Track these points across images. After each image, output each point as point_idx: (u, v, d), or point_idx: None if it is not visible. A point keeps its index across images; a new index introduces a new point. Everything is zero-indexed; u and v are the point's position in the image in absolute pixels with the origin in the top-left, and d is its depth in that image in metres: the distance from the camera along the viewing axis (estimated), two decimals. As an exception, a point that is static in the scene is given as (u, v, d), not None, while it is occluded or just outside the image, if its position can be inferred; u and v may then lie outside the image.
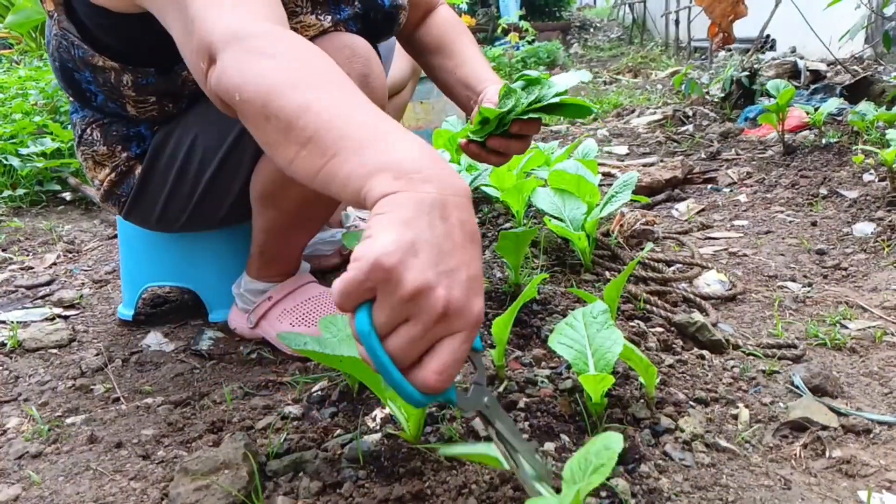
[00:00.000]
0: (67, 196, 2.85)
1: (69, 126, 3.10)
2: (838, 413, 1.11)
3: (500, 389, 1.03)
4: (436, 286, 0.62)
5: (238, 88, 0.82)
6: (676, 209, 2.43)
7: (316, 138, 0.75)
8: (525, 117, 1.17)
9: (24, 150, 2.84)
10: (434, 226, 0.64)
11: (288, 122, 0.77)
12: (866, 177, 2.40)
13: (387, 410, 1.03)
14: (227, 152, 1.33)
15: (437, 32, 1.52)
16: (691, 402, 1.08)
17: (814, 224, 2.13)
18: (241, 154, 1.33)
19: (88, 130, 1.41)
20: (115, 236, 2.12)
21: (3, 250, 2.27)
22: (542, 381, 1.06)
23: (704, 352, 1.31)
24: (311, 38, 1.25)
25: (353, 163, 0.71)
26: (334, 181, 0.74)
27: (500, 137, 1.21)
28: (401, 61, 1.69)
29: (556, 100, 1.15)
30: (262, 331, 1.48)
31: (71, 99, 1.46)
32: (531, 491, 0.74)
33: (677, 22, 7.96)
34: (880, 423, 1.08)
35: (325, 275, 1.79)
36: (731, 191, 2.60)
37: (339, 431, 1.03)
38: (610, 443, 0.72)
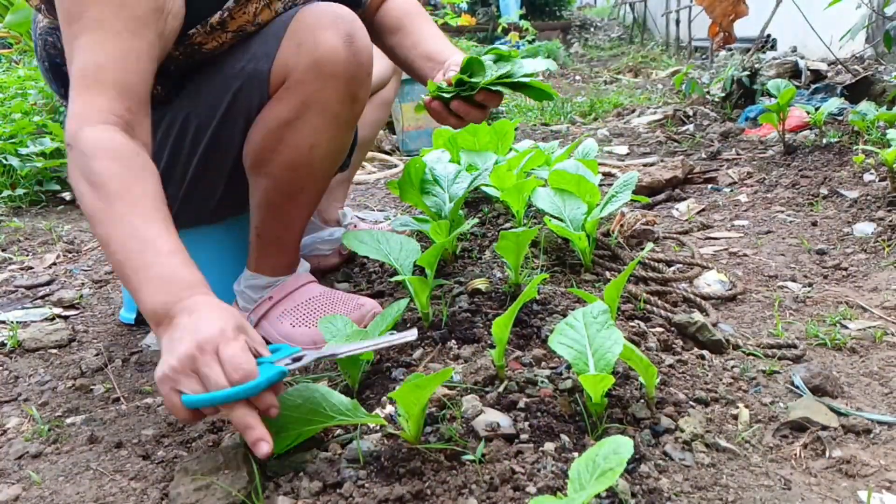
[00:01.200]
0: (67, 196, 2.85)
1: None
2: (838, 413, 1.11)
3: (501, 389, 1.03)
4: (174, 362, 0.91)
5: (75, 191, 1.07)
6: (677, 209, 2.43)
7: (118, 268, 1.02)
8: (493, 88, 1.26)
9: (23, 150, 2.84)
10: (174, 342, 0.93)
11: (102, 241, 1.03)
12: (867, 177, 2.40)
13: (387, 410, 1.03)
14: (219, 125, 1.34)
15: (396, 14, 1.55)
16: (691, 402, 1.08)
17: (814, 224, 2.13)
18: (231, 126, 1.34)
19: None
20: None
21: (3, 250, 2.27)
22: (542, 381, 1.06)
23: (704, 352, 1.31)
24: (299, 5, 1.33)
25: (139, 299, 1.00)
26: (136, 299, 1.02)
27: (463, 102, 1.28)
28: (381, 60, 1.71)
29: (525, 80, 1.24)
30: (262, 331, 1.47)
31: (63, 102, 1.46)
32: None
33: (678, 21, 7.96)
34: (880, 423, 1.08)
35: (324, 275, 1.79)
36: (732, 191, 2.60)
37: (339, 431, 1.03)
38: (619, 447, 0.72)
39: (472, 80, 1.26)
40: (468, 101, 1.29)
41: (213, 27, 1.26)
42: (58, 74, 1.36)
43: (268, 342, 1.50)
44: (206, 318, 0.94)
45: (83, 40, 1.09)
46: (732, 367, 1.27)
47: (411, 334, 1.01)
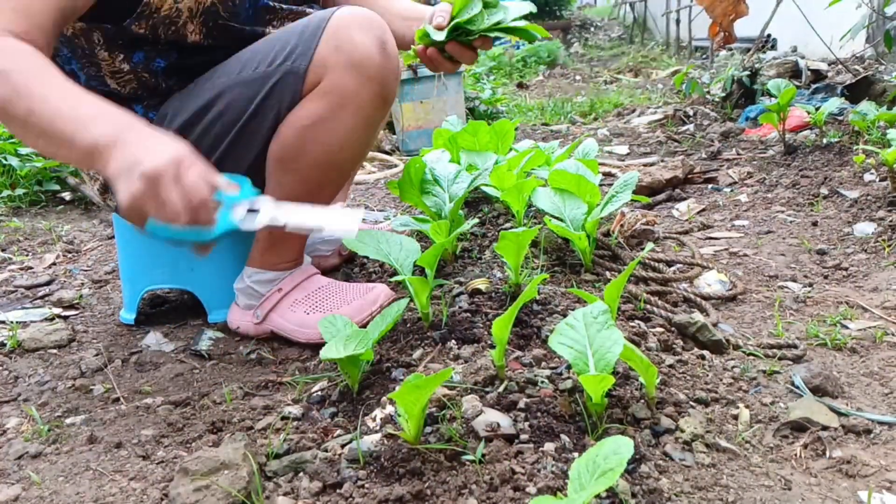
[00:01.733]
0: (67, 196, 2.85)
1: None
2: (839, 413, 1.10)
3: (501, 389, 1.03)
4: (136, 186, 0.94)
5: None
6: (677, 209, 2.43)
7: (45, 134, 1.03)
8: (491, 34, 1.36)
9: (23, 150, 2.83)
10: (122, 168, 0.96)
11: (23, 123, 1.04)
12: (867, 177, 2.40)
13: (387, 410, 1.03)
14: (249, 118, 1.36)
15: None
16: (691, 403, 1.08)
17: (814, 224, 2.13)
18: (261, 120, 1.36)
19: None
20: (115, 236, 2.12)
21: (3, 250, 2.27)
22: (542, 381, 1.06)
23: (705, 352, 1.31)
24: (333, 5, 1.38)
25: (75, 152, 1.02)
26: (73, 163, 1.09)
27: (459, 45, 1.36)
28: None
29: (517, 24, 1.35)
30: (271, 323, 1.48)
31: None
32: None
33: (678, 21, 7.96)
34: (881, 423, 1.08)
35: (325, 274, 1.79)
36: (732, 191, 2.60)
37: (339, 431, 1.03)
38: (619, 448, 0.72)
39: (469, 26, 1.33)
40: (463, 45, 1.36)
41: (147, 19, 1.27)
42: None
43: (275, 335, 1.50)
44: (162, 141, 0.99)
45: None
46: (733, 367, 1.27)
47: (352, 223, 1.05)
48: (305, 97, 1.33)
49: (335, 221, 1.04)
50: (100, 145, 0.98)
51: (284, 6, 1.46)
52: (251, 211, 1.03)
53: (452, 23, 1.33)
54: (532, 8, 1.43)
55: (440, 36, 1.34)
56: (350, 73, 1.30)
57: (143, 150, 0.97)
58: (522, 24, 1.35)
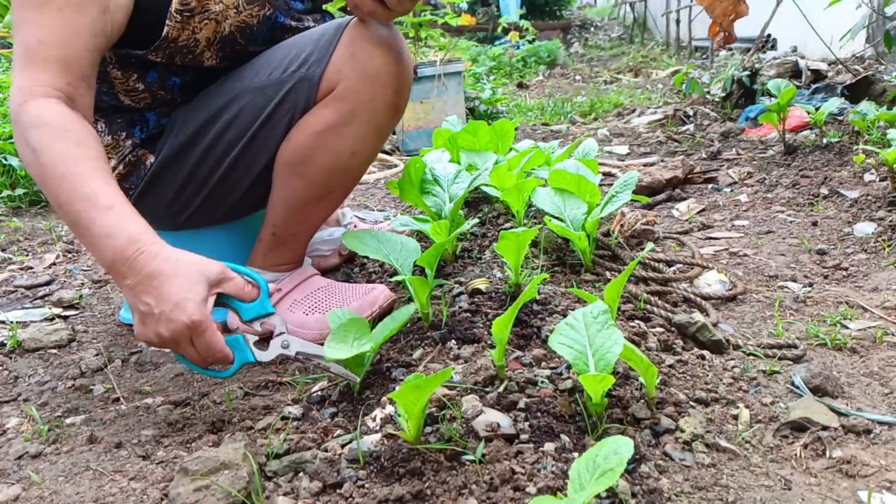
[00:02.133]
0: (67, 196, 2.84)
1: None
2: (839, 413, 1.10)
3: (501, 389, 1.03)
4: (154, 339, 1.07)
5: (23, 163, 1.14)
6: (677, 209, 2.43)
7: (69, 222, 1.10)
8: None
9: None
10: (135, 304, 1.08)
11: (54, 204, 1.11)
12: (867, 177, 2.40)
13: (387, 410, 1.03)
14: (262, 124, 1.37)
15: None
16: (691, 403, 1.08)
17: (814, 224, 2.13)
18: (273, 127, 1.37)
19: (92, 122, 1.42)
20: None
21: (3, 250, 2.27)
22: (542, 381, 1.06)
23: (705, 352, 1.31)
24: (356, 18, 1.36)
25: (94, 254, 1.10)
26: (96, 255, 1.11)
27: None
28: None
29: None
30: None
31: None
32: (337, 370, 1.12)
33: (678, 21, 7.96)
34: (880, 423, 1.08)
35: (325, 274, 1.79)
36: (732, 191, 2.60)
37: (339, 431, 1.03)
38: (619, 447, 0.72)
39: None
40: None
41: (182, 15, 1.27)
42: None
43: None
44: (178, 299, 1.05)
45: (27, 15, 1.14)
46: (733, 367, 1.27)
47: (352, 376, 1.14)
48: (319, 103, 1.34)
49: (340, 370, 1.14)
50: (114, 269, 1.07)
51: (301, 24, 1.46)
52: (261, 339, 1.15)
53: None
54: None
55: None
56: (364, 81, 1.31)
57: (156, 300, 1.05)
58: None
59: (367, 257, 1.90)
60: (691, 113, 4.03)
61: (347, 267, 1.85)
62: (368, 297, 1.44)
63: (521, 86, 6.82)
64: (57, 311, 1.72)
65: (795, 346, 1.35)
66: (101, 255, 1.08)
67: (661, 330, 1.35)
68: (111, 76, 1.33)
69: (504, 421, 0.95)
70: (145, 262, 1.06)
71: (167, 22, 1.26)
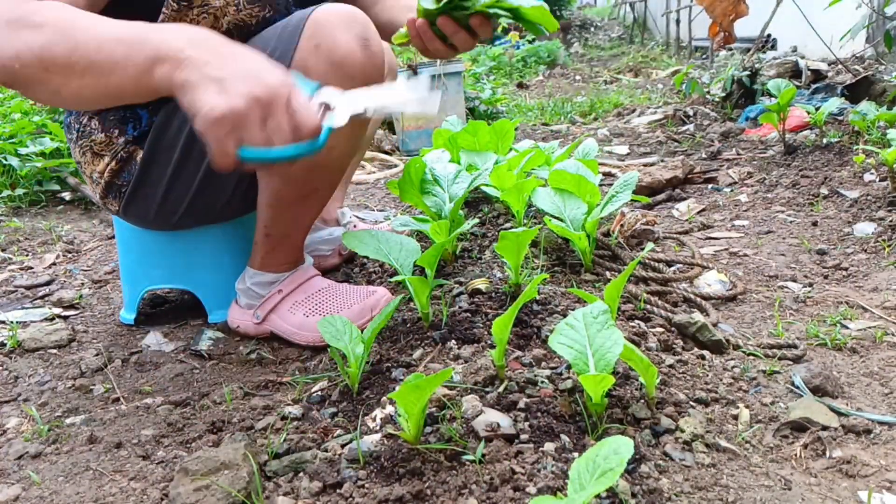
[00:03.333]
0: (67, 196, 2.85)
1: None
2: (839, 413, 1.10)
3: (501, 389, 1.03)
4: (240, 102, 0.84)
5: (14, 58, 0.95)
6: (677, 209, 2.43)
7: (92, 65, 0.92)
8: (490, 11, 1.17)
9: (23, 150, 2.83)
10: (205, 75, 0.86)
11: (65, 63, 0.92)
12: (867, 177, 2.40)
13: (387, 410, 1.03)
14: None
15: None
16: (691, 403, 1.08)
17: (814, 224, 2.13)
18: None
19: (85, 121, 1.42)
20: (115, 237, 2.12)
21: (3, 250, 2.27)
22: (542, 381, 1.06)
23: (705, 352, 1.31)
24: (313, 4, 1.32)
25: (130, 70, 0.90)
26: (124, 91, 0.94)
27: (451, 20, 1.21)
28: None
29: (524, 4, 1.13)
30: (270, 324, 1.48)
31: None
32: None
33: (678, 21, 7.96)
34: (880, 423, 1.08)
35: (324, 275, 1.79)
36: (732, 190, 2.60)
37: (339, 431, 1.03)
38: (619, 447, 0.72)
39: (465, 2, 1.16)
40: (457, 22, 1.22)
41: (180, 5, 1.26)
42: None
43: (274, 335, 1.50)
44: (262, 62, 0.89)
45: None
46: (733, 367, 1.27)
47: (431, 100, 0.97)
48: None
49: (414, 100, 0.97)
50: (163, 51, 0.88)
51: None
52: (323, 106, 0.94)
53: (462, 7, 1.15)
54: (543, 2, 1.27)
55: (430, 3, 1.17)
56: (331, 72, 1.25)
57: (238, 60, 0.88)
58: (528, 3, 1.13)
59: (367, 257, 1.90)
60: (691, 113, 4.03)
61: (347, 267, 1.85)
62: (369, 301, 1.43)
63: (521, 86, 6.82)
64: (57, 311, 1.72)
65: (795, 346, 1.35)
66: (144, 50, 0.89)
67: (661, 330, 1.35)
68: None
69: (504, 421, 0.95)
70: (213, 38, 0.91)
71: (163, 10, 1.24)
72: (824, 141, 2.85)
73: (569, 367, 1.07)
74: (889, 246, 1.87)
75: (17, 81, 0.98)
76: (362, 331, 1.19)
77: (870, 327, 1.45)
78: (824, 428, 1.06)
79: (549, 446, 0.91)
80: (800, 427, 1.07)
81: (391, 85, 1.00)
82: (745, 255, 1.94)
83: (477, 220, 1.75)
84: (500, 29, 8.77)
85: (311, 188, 1.39)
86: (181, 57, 0.88)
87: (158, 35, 0.91)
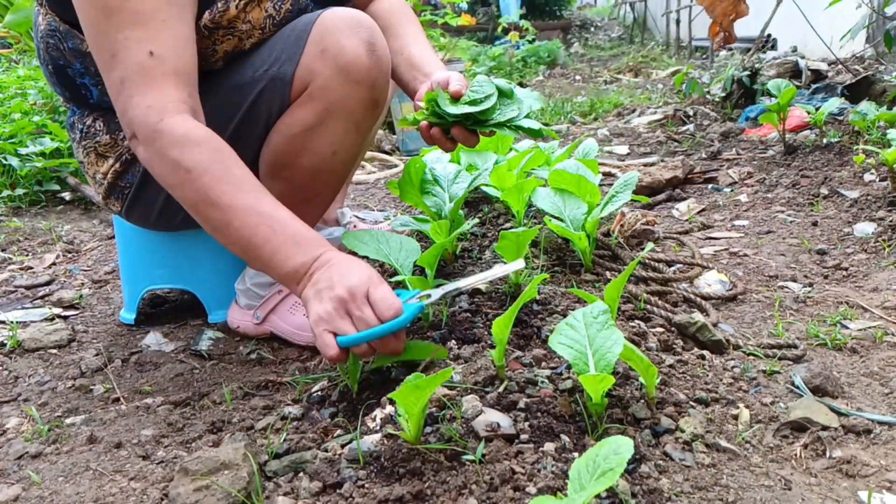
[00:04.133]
0: (67, 196, 2.85)
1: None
2: (839, 413, 1.10)
3: (501, 389, 1.03)
4: (329, 306, 1.04)
5: (170, 186, 1.13)
6: (677, 209, 2.43)
7: (236, 244, 1.11)
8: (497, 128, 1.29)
9: (23, 150, 2.83)
10: (317, 290, 1.07)
11: (213, 228, 1.12)
12: (867, 177, 2.39)
13: (387, 410, 1.03)
14: (238, 126, 1.34)
15: (386, 14, 1.54)
16: (692, 403, 1.08)
17: (814, 224, 2.13)
18: (250, 128, 1.35)
19: (90, 122, 1.42)
20: (115, 237, 2.12)
21: (3, 250, 2.27)
22: (542, 381, 1.06)
23: (705, 352, 1.30)
24: (319, 8, 1.33)
25: (268, 268, 1.12)
26: (257, 268, 1.19)
27: (464, 130, 1.28)
28: None
29: (531, 125, 1.27)
30: (270, 325, 1.48)
31: (67, 104, 1.46)
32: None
33: (678, 21, 7.96)
34: (881, 423, 1.08)
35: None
36: (732, 190, 2.60)
37: (339, 431, 1.03)
38: (619, 447, 0.72)
39: (482, 117, 1.26)
40: (469, 131, 1.28)
41: (209, 29, 1.26)
42: (62, 77, 1.37)
43: (275, 335, 1.50)
44: (351, 268, 1.07)
45: (130, 33, 1.11)
46: (733, 367, 1.27)
47: (518, 264, 1.16)
48: (294, 103, 1.31)
49: (505, 268, 1.17)
50: (299, 274, 1.09)
51: None
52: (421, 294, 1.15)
53: (466, 110, 1.25)
54: (542, 102, 1.38)
55: (452, 108, 1.24)
56: (337, 77, 1.26)
57: (337, 273, 1.06)
58: (536, 126, 1.27)
59: (367, 257, 1.89)
60: (691, 113, 4.02)
61: (347, 267, 1.85)
62: None
63: (521, 86, 6.82)
64: (57, 311, 1.72)
65: (795, 346, 1.35)
66: (285, 262, 1.08)
67: (661, 330, 1.35)
68: None
69: (504, 421, 0.95)
70: (331, 256, 1.09)
71: None
72: (824, 141, 2.85)
73: (569, 367, 1.07)
74: (889, 246, 1.87)
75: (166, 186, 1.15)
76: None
77: (870, 327, 1.45)
78: (824, 428, 1.06)
79: (549, 446, 0.91)
80: (800, 427, 1.07)
81: (491, 270, 1.20)
82: (745, 255, 1.94)
83: (477, 221, 1.75)
84: (500, 29, 8.77)
85: (315, 192, 1.40)
86: (307, 280, 1.09)
87: (299, 256, 1.09)
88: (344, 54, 1.26)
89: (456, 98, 1.25)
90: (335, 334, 1.03)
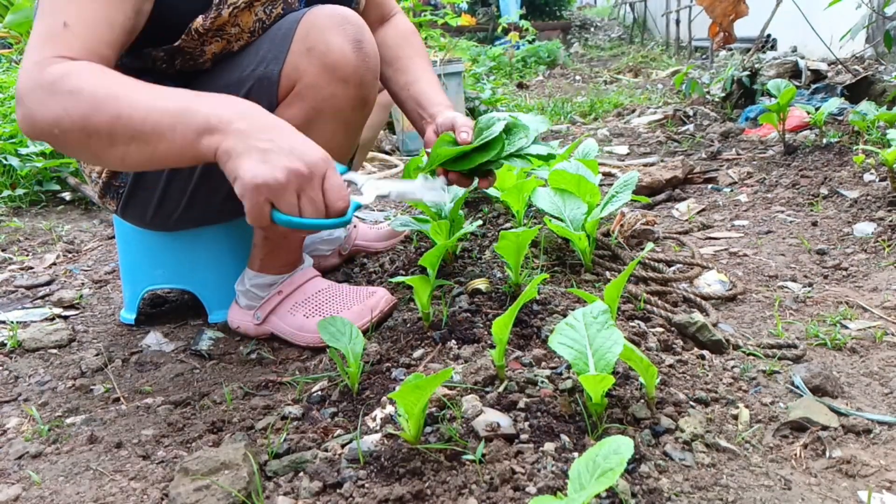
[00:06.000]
0: (67, 196, 2.85)
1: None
2: (838, 413, 1.10)
3: (501, 389, 1.03)
4: (280, 174, 0.94)
5: (55, 125, 1.00)
6: (677, 209, 2.43)
7: (137, 134, 0.98)
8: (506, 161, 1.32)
9: (23, 150, 2.84)
10: (250, 146, 0.96)
11: (108, 132, 0.99)
12: (867, 177, 2.40)
13: (387, 410, 1.03)
14: None
15: (393, 44, 1.55)
16: (691, 403, 1.08)
17: (814, 224, 2.13)
18: None
19: None
20: (115, 237, 2.12)
21: (3, 250, 2.27)
22: (542, 381, 1.06)
23: (705, 352, 1.31)
24: (303, 6, 1.33)
25: (178, 139, 0.97)
26: (168, 158, 1.01)
27: (480, 173, 1.33)
28: None
29: (540, 150, 1.29)
30: (270, 325, 1.48)
31: None
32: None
33: (678, 21, 7.96)
34: (880, 423, 1.08)
35: (324, 275, 1.79)
36: (732, 191, 2.60)
37: (339, 431, 1.03)
38: (619, 447, 0.72)
39: (494, 158, 1.29)
40: (485, 172, 1.34)
41: (199, 33, 1.26)
42: None
43: (275, 336, 1.50)
44: (305, 140, 0.99)
45: (56, 4, 1.06)
46: (732, 367, 1.27)
47: (442, 193, 1.19)
48: (281, 103, 1.30)
49: (427, 191, 1.20)
50: (212, 123, 0.96)
51: None
52: (350, 185, 1.08)
53: (480, 160, 1.28)
54: (547, 124, 1.42)
55: (463, 165, 1.29)
56: (324, 76, 1.25)
57: (288, 139, 0.97)
58: (545, 151, 1.29)
59: (366, 257, 1.90)
60: (691, 113, 4.02)
61: (347, 267, 1.85)
62: (369, 302, 1.43)
63: (521, 86, 6.82)
64: (57, 311, 1.72)
65: (795, 346, 1.35)
66: (187, 123, 0.96)
67: (661, 330, 1.35)
68: None
69: (504, 421, 0.96)
70: (259, 113, 1.00)
71: (182, 36, 1.25)
72: (824, 141, 2.85)
73: (569, 367, 1.07)
74: (889, 246, 1.87)
75: (58, 144, 1.05)
76: (364, 332, 1.19)
77: (870, 327, 1.45)
78: (824, 428, 1.06)
79: (549, 446, 0.91)
80: (800, 427, 1.07)
81: (413, 181, 1.22)
82: (745, 255, 1.94)
83: (480, 222, 1.75)
84: (500, 29, 8.77)
85: None
86: (230, 128, 0.96)
87: (207, 107, 0.98)
88: (330, 52, 1.24)
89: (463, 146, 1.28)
90: (271, 205, 0.95)
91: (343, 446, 0.98)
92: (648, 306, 1.45)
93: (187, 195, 1.41)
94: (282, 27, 1.29)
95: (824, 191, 2.38)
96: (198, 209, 1.45)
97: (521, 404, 1.00)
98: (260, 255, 1.46)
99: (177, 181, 1.40)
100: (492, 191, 1.76)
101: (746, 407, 1.12)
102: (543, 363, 1.13)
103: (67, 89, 0.99)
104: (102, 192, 1.46)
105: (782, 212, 2.29)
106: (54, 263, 2.14)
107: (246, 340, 1.51)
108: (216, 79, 1.33)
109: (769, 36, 5.21)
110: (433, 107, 1.43)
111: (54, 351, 1.50)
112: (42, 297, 1.84)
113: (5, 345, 1.51)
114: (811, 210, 2.27)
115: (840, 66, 3.82)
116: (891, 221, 1.98)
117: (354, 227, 1.94)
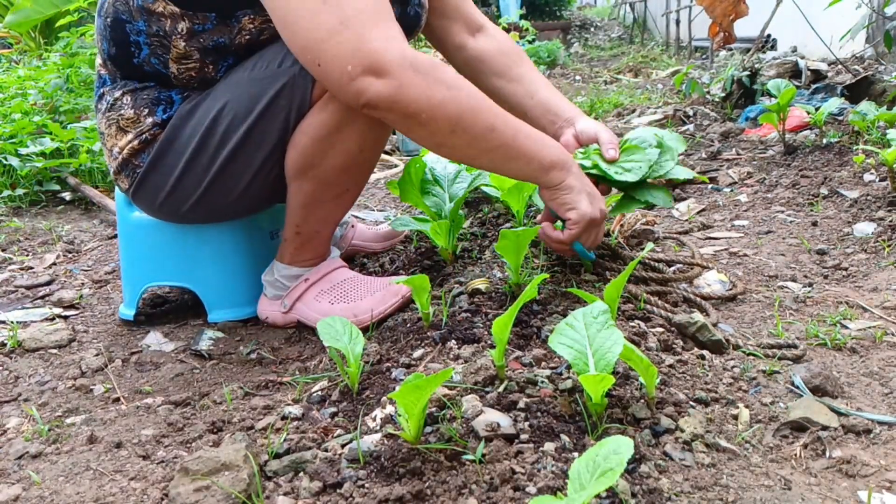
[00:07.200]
0: (67, 196, 2.85)
1: (69, 126, 3.09)
2: (838, 413, 1.10)
3: (501, 389, 1.03)
4: (598, 215, 1.31)
5: (425, 111, 1.13)
6: (677, 209, 2.43)
7: (502, 147, 1.20)
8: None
9: (23, 150, 2.84)
10: (583, 188, 1.29)
11: (478, 136, 1.18)
12: (867, 177, 2.40)
13: (387, 410, 1.03)
14: (257, 119, 1.35)
15: (499, 57, 1.63)
16: (691, 402, 1.08)
17: (814, 224, 2.13)
18: (269, 122, 1.35)
19: (119, 95, 1.43)
20: (115, 236, 2.12)
21: (3, 250, 2.27)
22: (542, 381, 1.06)
23: (705, 352, 1.31)
24: None
25: (534, 163, 1.25)
26: (512, 171, 1.28)
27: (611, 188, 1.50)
28: None
29: (680, 175, 1.42)
30: (297, 312, 1.51)
31: (102, 71, 1.46)
32: None
33: (678, 21, 7.96)
34: (880, 423, 1.08)
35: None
36: (732, 190, 2.60)
37: (339, 431, 1.03)
38: (619, 447, 0.72)
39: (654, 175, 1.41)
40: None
41: (261, 13, 1.27)
42: (117, 31, 1.36)
43: (301, 324, 1.51)
44: (597, 195, 1.32)
45: None
46: (732, 367, 1.27)
47: None
48: (317, 104, 1.33)
49: None
50: (562, 162, 1.24)
51: None
52: None
53: (635, 178, 1.39)
54: (685, 145, 1.48)
55: (623, 177, 1.40)
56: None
57: (594, 189, 1.31)
58: (690, 175, 1.40)
59: (367, 257, 1.90)
60: (691, 113, 4.02)
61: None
62: (393, 287, 1.47)
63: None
64: (57, 311, 1.72)
65: (795, 346, 1.35)
66: (552, 152, 1.24)
67: (661, 330, 1.35)
68: (172, 43, 1.33)
69: (504, 421, 0.96)
70: (579, 172, 1.29)
71: (248, 13, 1.29)
72: (824, 141, 2.85)
73: (569, 367, 1.07)
74: (889, 246, 1.87)
75: (406, 122, 1.16)
76: (364, 332, 1.19)
77: (870, 327, 1.45)
78: (824, 428, 1.06)
79: (549, 446, 0.91)
80: (800, 427, 1.07)
81: None
82: (745, 255, 1.94)
83: (479, 224, 1.75)
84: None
85: (344, 188, 1.42)
86: (572, 169, 1.27)
87: (553, 146, 1.26)
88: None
89: (610, 162, 1.41)
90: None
91: (343, 446, 0.98)
92: (648, 306, 1.45)
93: (201, 189, 1.42)
94: None
95: (824, 191, 2.38)
96: (208, 205, 1.46)
97: (521, 404, 1.00)
98: (290, 248, 1.48)
99: (193, 173, 1.40)
100: (491, 191, 1.76)
101: (746, 407, 1.12)
102: (543, 363, 1.13)
103: (446, 84, 1.13)
104: (119, 168, 1.46)
105: (782, 212, 2.29)
106: (54, 263, 2.14)
107: (246, 340, 1.51)
108: (253, 69, 1.34)
109: (769, 36, 5.21)
110: (566, 112, 1.59)
111: (54, 351, 1.50)
112: (42, 297, 1.84)
113: (5, 345, 1.51)
114: (811, 210, 2.27)
115: (840, 66, 3.82)
116: (891, 221, 1.98)
117: (352, 226, 1.94)
